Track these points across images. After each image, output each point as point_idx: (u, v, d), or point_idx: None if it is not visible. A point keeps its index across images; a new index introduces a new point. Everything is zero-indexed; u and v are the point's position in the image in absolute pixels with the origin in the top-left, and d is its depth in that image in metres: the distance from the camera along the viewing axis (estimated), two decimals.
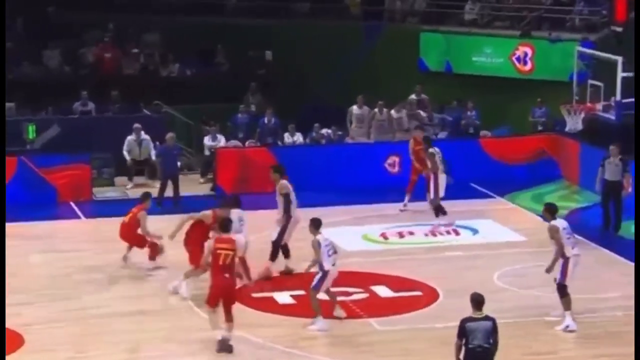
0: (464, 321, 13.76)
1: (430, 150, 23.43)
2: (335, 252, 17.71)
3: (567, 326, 17.44)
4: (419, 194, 24.00)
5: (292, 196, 20.08)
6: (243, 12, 35.56)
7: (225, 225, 17.15)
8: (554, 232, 17.58)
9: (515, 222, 23.78)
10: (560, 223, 17.76)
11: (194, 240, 18.86)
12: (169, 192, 25.11)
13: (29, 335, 17.10)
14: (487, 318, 13.79)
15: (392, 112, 28.67)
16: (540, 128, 29.08)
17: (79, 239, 22.83)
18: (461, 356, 13.74)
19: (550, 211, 17.88)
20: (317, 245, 17.53)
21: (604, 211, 23.23)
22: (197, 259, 18.12)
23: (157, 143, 27.68)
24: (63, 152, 26.30)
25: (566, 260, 17.53)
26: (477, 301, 13.91)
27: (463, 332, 13.67)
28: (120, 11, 34.54)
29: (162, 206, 24.51)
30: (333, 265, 17.63)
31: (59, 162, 25.77)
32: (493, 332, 13.79)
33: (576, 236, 18.38)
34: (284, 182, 20.16)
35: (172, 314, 18.19)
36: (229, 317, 16.46)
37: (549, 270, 17.58)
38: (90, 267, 20.56)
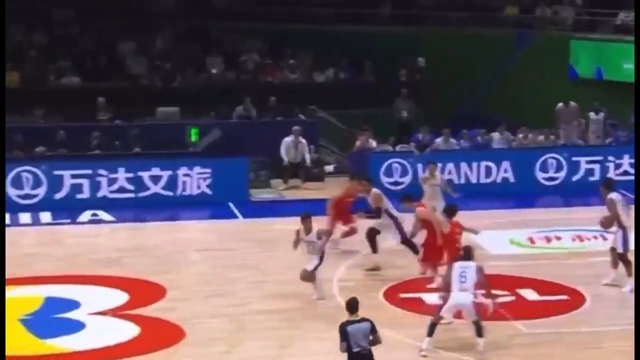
0: (343, 325, 13.71)
1: None
2: None
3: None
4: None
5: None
6: (395, 21, 35.41)
7: None
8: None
9: None
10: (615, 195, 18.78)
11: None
12: None
13: (188, 329, 17.20)
14: (364, 319, 13.77)
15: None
16: None
17: (235, 237, 22.97)
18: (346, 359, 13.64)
19: (607, 186, 19.15)
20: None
21: None
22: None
23: (312, 146, 27.83)
24: (223, 154, 26.58)
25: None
26: (351, 305, 13.89)
27: (345, 335, 13.59)
28: (277, 21, 34.81)
29: None
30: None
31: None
32: (372, 332, 13.72)
33: None
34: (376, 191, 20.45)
35: (325, 313, 18.04)
36: None
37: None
38: (244, 265, 20.65)
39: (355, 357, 13.58)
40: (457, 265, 16.30)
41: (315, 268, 18.39)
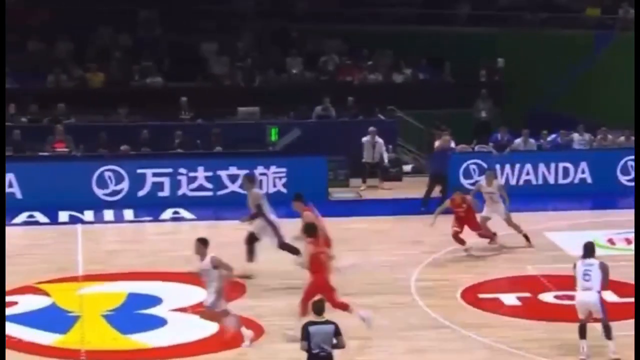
0: (306, 325, 13.58)
1: None
2: None
3: None
4: None
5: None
6: (475, 21, 35.13)
7: None
8: None
9: None
10: None
11: None
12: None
13: (267, 326, 17.19)
14: (327, 322, 13.55)
15: None
16: None
17: None
18: None
19: None
20: None
21: None
22: None
23: (390, 146, 27.71)
24: (302, 154, 26.55)
25: None
26: (318, 307, 13.75)
27: (307, 334, 13.45)
28: (356, 22, 34.72)
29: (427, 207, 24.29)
30: None
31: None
32: (335, 335, 13.49)
33: None
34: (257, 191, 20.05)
35: (405, 312, 17.89)
36: None
37: None
38: None
39: (314, 358, 13.46)
40: (580, 263, 15.56)
41: (214, 305, 16.24)
